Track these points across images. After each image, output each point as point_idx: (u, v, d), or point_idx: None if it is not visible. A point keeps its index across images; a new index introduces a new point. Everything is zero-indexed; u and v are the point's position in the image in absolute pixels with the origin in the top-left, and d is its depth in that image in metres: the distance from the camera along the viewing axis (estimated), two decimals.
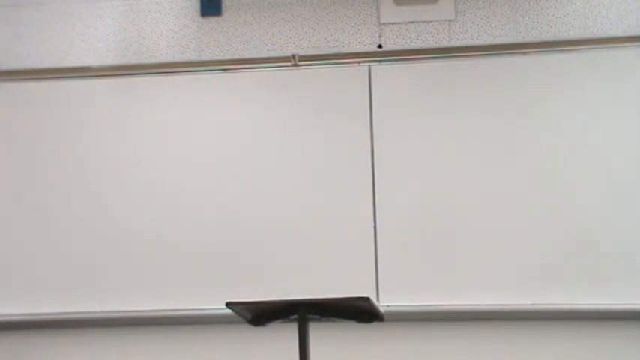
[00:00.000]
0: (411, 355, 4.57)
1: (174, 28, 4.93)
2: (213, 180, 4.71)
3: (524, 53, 4.68)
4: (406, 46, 4.78)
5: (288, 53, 4.82)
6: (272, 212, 4.65)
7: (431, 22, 4.79)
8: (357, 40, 4.83)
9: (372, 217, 4.61)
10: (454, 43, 4.76)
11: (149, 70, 4.85)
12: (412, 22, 4.80)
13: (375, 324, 3.56)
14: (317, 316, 3.39)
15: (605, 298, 4.42)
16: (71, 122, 4.83)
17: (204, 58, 4.88)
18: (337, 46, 4.83)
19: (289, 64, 4.79)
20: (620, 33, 4.66)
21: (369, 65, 4.73)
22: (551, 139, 4.58)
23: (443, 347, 4.55)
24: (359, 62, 4.76)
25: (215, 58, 4.87)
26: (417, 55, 4.74)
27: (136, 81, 4.84)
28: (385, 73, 4.72)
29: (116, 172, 4.76)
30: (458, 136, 4.62)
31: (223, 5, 4.91)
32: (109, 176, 4.76)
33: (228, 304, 3.38)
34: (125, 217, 4.71)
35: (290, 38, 4.86)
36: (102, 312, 4.64)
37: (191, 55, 4.89)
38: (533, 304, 4.45)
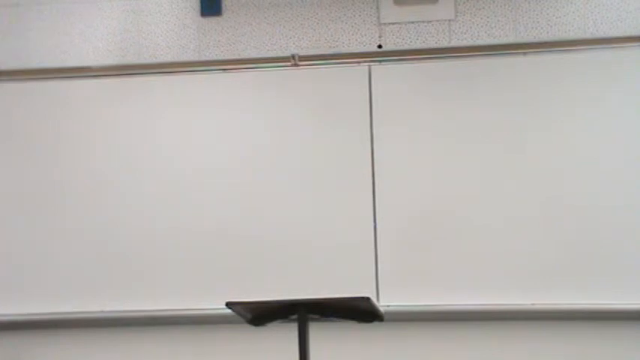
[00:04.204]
0: (411, 355, 4.57)
1: (175, 28, 4.93)
2: (213, 179, 4.71)
3: (524, 53, 4.68)
4: (406, 46, 4.78)
5: (288, 53, 4.82)
6: (272, 212, 4.65)
7: (431, 22, 4.80)
8: (357, 40, 4.83)
9: (372, 217, 4.61)
10: (454, 43, 4.76)
11: (149, 70, 4.85)
12: (412, 22, 4.80)
13: (375, 324, 3.56)
14: (317, 316, 3.39)
15: (605, 298, 4.42)
16: (71, 122, 4.83)
17: (204, 58, 4.88)
18: (337, 46, 4.83)
19: (289, 64, 4.79)
20: (620, 33, 4.66)
21: (369, 65, 4.73)
22: (551, 138, 4.58)
23: (443, 347, 4.55)
24: (359, 62, 4.76)
25: (215, 58, 4.87)
26: (417, 55, 4.74)
27: (136, 81, 4.84)
28: (385, 73, 4.72)
29: (116, 172, 4.76)
30: (458, 136, 4.63)
31: (223, 5, 4.91)
32: (108, 176, 4.76)
33: (228, 304, 3.38)
34: (124, 216, 4.72)
35: (290, 38, 4.86)
36: (102, 312, 4.64)
37: (191, 55, 4.89)
38: (533, 304, 4.46)
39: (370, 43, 4.82)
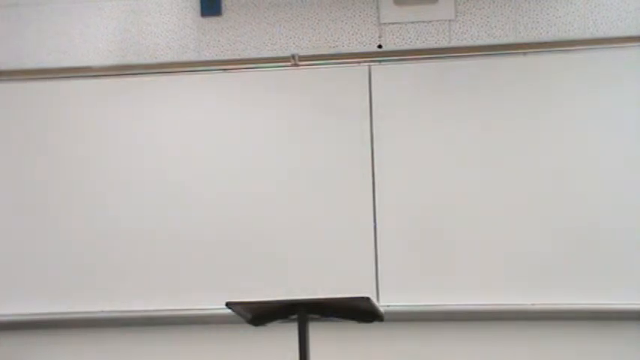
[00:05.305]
0: (411, 355, 4.56)
1: (174, 28, 4.93)
2: (213, 180, 4.71)
3: (524, 53, 4.68)
4: (406, 46, 4.78)
5: (288, 53, 4.82)
6: (272, 212, 4.65)
7: (431, 22, 4.80)
8: (357, 40, 4.83)
9: (372, 217, 4.61)
10: (454, 43, 4.76)
11: (149, 70, 4.85)
12: (412, 22, 4.80)
13: (375, 324, 3.56)
14: (317, 316, 3.39)
15: (605, 298, 4.42)
16: (71, 122, 4.83)
17: (204, 58, 4.88)
18: (337, 46, 4.83)
19: (289, 64, 4.79)
20: (620, 33, 4.66)
21: (369, 65, 4.73)
22: (551, 139, 4.58)
23: (443, 347, 4.55)
24: (359, 62, 4.75)
25: (215, 58, 4.87)
26: (417, 55, 4.74)
27: (136, 81, 4.84)
28: (385, 73, 4.72)
29: (116, 171, 4.76)
30: (458, 136, 4.63)
31: (223, 5, 4.91)
32: (108, 176, 4.76)
33: (228, 304, 3.38)
34: (125, 217, 4.72)
35: (290, 38, 4.86)
36: (102, 312, 4.64)
37: (191, 55, 4.89)
38: (533, 304, 4.46)
39: (370, 43, 4.82)
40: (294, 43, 4.85)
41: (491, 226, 4.54)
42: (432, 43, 4.77)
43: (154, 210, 4.70)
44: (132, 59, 4.90)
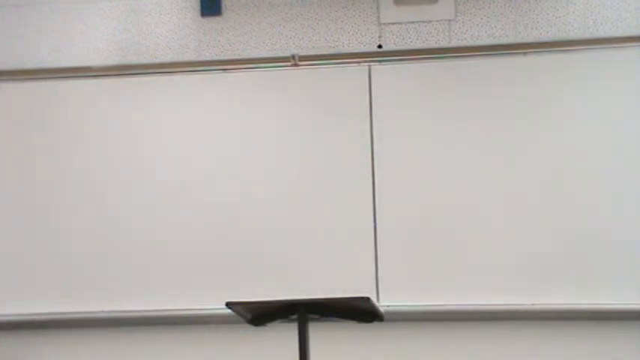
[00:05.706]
0: (411, 355, 4.57)
1: (174, 28, 4.93)
2: (212, 180, 4.71)
3: (524, 53, 4.68)
4: (406, 46, 4.78)
5: (288, 53, 4.82)
6: (272, 212, 4.65)
7: (431, 22, 4.79)
8: (357, 40, 4.83)
9: (372, 217, 4.61)
10: (454, 43, 4.76)
11: (149, 70, 4.85)
12: (412, 22, 4.80)
13: (375, 324, 3.56)
14: (317, 316, 3.39)
15: (605, 298, 4.42)
16: (71, 122, 4.83)
17: (203, 58, 4.88)
18: (337, 46, 4.83)
19: (289, 64, 4.79)
20: (620, 33, 4.66)
21: (369, 65, 4.73)
22: (551, 139, 4.58)
23: (443, 347, 4.55)
24: (359, 62, 4.76)
25: (215, 58, 4.87)
26: (417, 55, 4.74)
27: (136, 81, 4.84)
28: (385, 73, 4.72)
29: (116, 172, 4.76)
30: (457, 136, 4.63)
31: (223, 5, 4.91)
32: (108, 176, 4.76)
33: (228, 304, 3.38)
34: (125, 216, 4.72)
35: (290, 38, 4.86)
36: (102, 312, 4.64)
37: (191, 55, 4.89)
38: (533, 304, 4.46)
39: (370, 43, 4.82)
40: (294, 43, 4.85)
41: (491, 226, 4.54)
42: (432, 43, 4.77)
43: (153, 210, 4.70)
44: (132, 59, 4.90)
